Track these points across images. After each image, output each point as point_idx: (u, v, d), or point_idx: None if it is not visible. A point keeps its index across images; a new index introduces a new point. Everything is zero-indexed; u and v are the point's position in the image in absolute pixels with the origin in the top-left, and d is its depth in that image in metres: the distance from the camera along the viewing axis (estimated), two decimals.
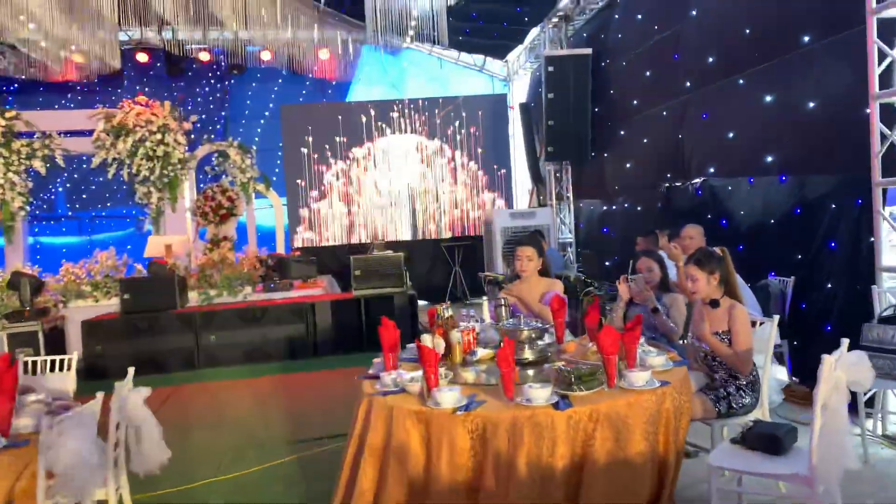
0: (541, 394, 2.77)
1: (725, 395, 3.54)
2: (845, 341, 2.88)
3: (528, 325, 3.47)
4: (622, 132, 8.47)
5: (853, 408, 4.53)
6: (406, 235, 12.47)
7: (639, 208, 8.23)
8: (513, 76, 12.95)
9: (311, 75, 12.67)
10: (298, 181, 12.34)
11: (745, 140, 5.87)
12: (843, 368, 2.73)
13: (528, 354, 3.42)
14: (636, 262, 4.46)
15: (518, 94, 12.67)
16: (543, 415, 2.71)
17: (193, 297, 8.71)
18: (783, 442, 2.98)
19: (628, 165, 8.31)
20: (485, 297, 12.12)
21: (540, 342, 3.54)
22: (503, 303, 3.93)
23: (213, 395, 6.77)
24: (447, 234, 12.51)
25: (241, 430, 5.35)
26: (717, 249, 3.64)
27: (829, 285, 4.92)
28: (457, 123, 12.45)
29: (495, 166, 12.46)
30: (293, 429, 5.26)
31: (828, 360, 2.64)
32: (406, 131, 12.49)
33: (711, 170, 6.47)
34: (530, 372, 3.30)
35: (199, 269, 9.06)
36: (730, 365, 3.50)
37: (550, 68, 9.21)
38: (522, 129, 11.12)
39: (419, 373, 3.06)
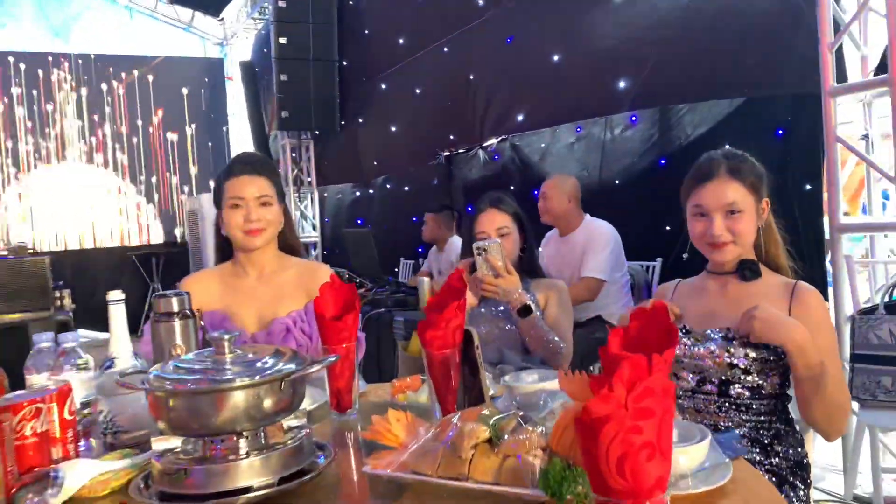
0: None
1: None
2: None
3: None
4: (383, 87, 6.32)
5: None
6: (79, 242, 8.95)
7: (406, 188, 6.14)
8: (231, 39, 10.20)
9: None
10: None
11: (580, 66, 4.05)
12: None
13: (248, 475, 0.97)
14: (474, 221, 2.23)
15: (238, 61, 9.96)
16: None
17: None
18: None
19: (393, 129, 6.17)
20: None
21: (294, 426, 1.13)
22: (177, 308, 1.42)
23: None
24: (139, 241, 9.27)
25: None
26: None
27: None
28: (153, 91, 9.33)
29: (210, 146, 9.56)
30: None
31: None
32: (81, 102, 9.04)
33: (520, 118, 4.58)
34: None
35: None
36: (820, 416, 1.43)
37: (282, 3, 6.77)
38: (246, 97, 8.47)
39: None
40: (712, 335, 1.56)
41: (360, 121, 6.82)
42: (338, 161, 7.42)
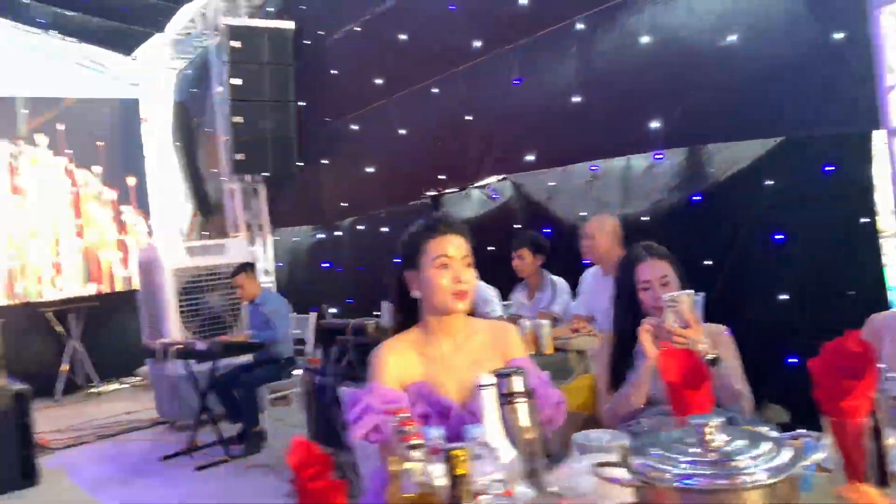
0: None
1: None
2: None
3: None
4: (355, 127, 6.18)
5: None
6: None
7: (384, 229, 6.00)
8: (143, 79, 9.57)
9: None
10: None
11: (601, 107, 4.16)
12: None
13: None
14: (632, 270, 2.20)
15: (153, 102, 9.39)
16: None
17: None
18: None
19: (368, 170, 6.03)
20: (133, 379, 8.32)
21: None
22: None
23: None
24: (44, 295, 8.42)
25: None
26: None
27: (786, 296, 3.38)
28: (64, 135, 8.62)
29: (130, 190, 8.91)
30: None
31: None
32: None
33: (526, 157, 4.63)
34: None
35: None
36: None
37: (236, 43, 6.50)
38: (178, 139, 7.99)
39: None
40: None
41: (325, 162, 6.62)
42: (294, 204, 7.15)
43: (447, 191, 5.35)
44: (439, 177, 5.35)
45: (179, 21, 8.50)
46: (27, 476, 4.56)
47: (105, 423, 6.15)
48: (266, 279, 7.31)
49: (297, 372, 5.16)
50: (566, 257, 4.19)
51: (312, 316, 5.61)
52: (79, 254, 8.67)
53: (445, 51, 5.16)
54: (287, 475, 3.76)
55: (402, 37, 5.46)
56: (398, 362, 1.75)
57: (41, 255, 8.49)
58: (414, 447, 0.98)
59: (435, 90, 5.25)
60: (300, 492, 1.03)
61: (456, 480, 0.92)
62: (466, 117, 5.01)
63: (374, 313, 5.72)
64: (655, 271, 2.16)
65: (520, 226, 4.68)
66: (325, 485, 0.97)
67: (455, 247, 1.74)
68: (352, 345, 3.81)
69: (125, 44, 9.31)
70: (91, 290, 8.71)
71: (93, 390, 7.88)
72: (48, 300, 8.35)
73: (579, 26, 4.23)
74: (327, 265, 6.62)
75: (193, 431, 4.95)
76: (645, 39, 3.86)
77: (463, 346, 1.79)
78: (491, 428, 1.15)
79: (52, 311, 8.07)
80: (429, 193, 5.48)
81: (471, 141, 5.04)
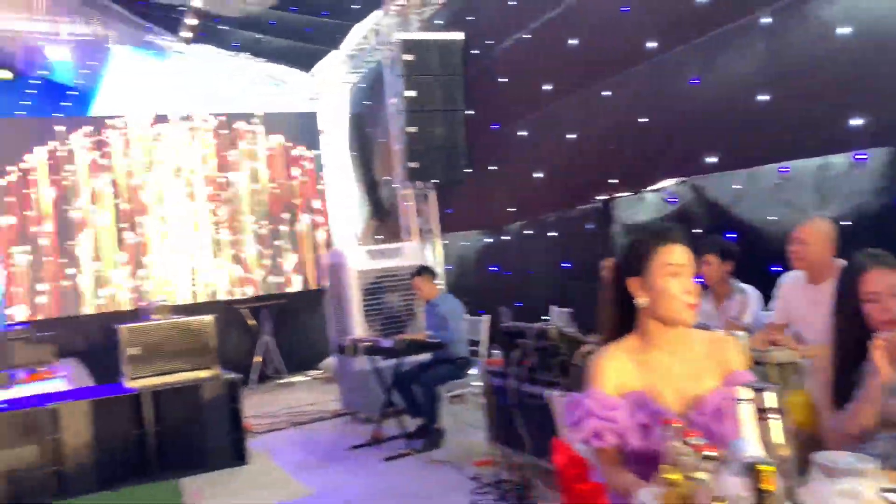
0: None
1: None
2: None
3: None
4: (522, 133, 6.32)
5: None
6: (184, 297, 8.97)
7: (553, 234, 6.07)
8: (320, 93, 10.31)
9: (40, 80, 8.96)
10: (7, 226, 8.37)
11: (793, 104, 3.96)
12: None
13: None
14: (855, 280, 2.09)
15: (329, 115, 10.09)
16: None
17: None
18: None
19: (535, 175, 6.14)
20: (315, 372, 9.13)
21: None
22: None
23: None
24: (244, 293, 9.28)
25: None
26: None
27: None
28: (255, 148, 9.50)
29: (314, 200, 9.65)
30: None
31: None
32: (188, 158, 9.24)
33: (708, 159, 4.50)
34: None
35: None
36: None
37: (409, 56, 6.86)
38: (354, 149, 8.57)
39: None
40: None
41: (494, 168, 6.82)
42: (463, 209, 7.43)
43: (619, 195, 5.31)
44: (610, 181, 5.32)
45: (354, 38, 9.08)
46: (238, 455, 5.14)
47: (295, 412, 6.75)
48: (438, 283, 7.63)
49: (473, 372, 5.38)
50: (753, 263, 4.04)
51: (485, 318, 5.81)
52: (287, 251, 9.48)
53: (617, 53, 5.13)
54: (468, 472, 3.94)
55: (572, 41, 5.50)
56: (617, 369, 1.78)
57: (249, 251, 9.38)
58: (708, 458, 1.03)
59: (606, 93, 5.24)
60: (565, 491, 1.13)
61: (762, 495, 0.97)
62: (640, 119, 4.95)
63: (543, 317, 5.82)
64: (884, 282, 2.04)
65: (700, 230, 4.55)
66: (591, 486, 1.06)
67: (685, 257, 1.76)
68: (532, 348, 3.92)
69: (304, 61, 10.11)
70: (289, 286, 9.46)
71: (281, 381, 8.65)
72: (244, 297, 9.24)
73: (764, 20, 4.05)
74: (495, 269, 6.80)
75: (378, 424, 5.31)
76: (842, 30, 3.62)
77: (681, 357, 1.78)
78: (751, 443, 1.17)
79: (247, 307, 8.97)
80: (599, 197, 5.48)
81: (645, 143, 4.98)
